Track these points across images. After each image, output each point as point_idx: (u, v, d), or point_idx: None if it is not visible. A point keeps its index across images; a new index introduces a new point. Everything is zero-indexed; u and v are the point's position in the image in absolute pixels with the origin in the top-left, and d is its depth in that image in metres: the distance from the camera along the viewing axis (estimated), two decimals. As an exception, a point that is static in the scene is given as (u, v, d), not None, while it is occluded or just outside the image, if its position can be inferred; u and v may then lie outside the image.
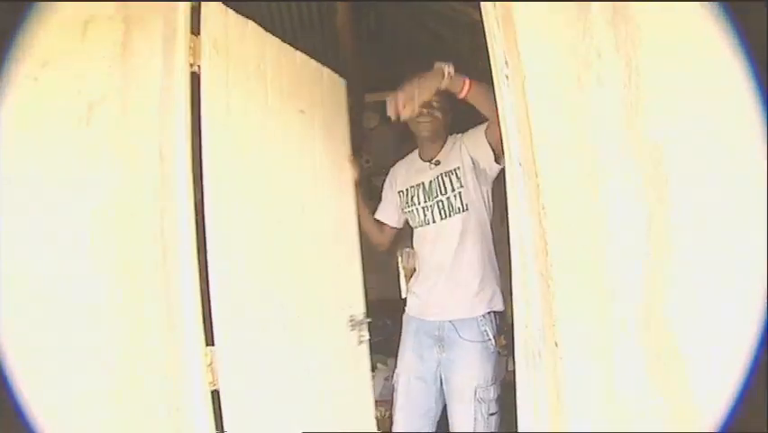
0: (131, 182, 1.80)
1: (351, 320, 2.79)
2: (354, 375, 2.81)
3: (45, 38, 1.96)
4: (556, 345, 1.78)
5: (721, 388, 1.77)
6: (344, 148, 3.01)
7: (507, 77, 1.96)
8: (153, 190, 1.82)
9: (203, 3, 2.17)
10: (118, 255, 1.75)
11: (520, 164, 1.92)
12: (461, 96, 2.52)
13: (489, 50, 2.01)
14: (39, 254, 1.74)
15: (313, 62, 2.78)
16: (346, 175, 2.98)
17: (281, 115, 2.47)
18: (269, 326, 2.22)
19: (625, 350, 1.79)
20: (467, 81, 2.48)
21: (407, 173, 3.17)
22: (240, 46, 2.27)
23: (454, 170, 2.93)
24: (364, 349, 2.89)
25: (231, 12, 2.26)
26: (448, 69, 2.46)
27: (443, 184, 2.95)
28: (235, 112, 2.16)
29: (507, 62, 1.96)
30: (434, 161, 3.03)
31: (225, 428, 1.96)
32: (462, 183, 2.90)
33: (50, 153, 1.87)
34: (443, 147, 3.03)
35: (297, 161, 2.56)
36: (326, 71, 2.91)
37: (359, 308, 2.87)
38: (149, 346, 1.75)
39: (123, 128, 1.84)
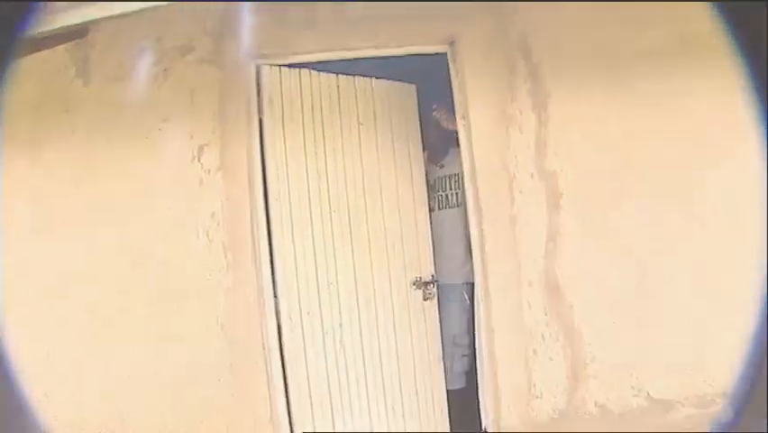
0: (231, 196, 3.01)
1: (416, 281, 3.61)
2: (423, 327, 3.65)
3: (162, 100, 3.15)
4: (489, 292, 3.01)
5: (592, 319, 3.01)
6: (414, 145, 3.78)
7: (464, 125, 3.13)
8: (244, 199, 3.02)
9: (261, 68, 3.33)
10: (226, 242, 2.97)
11: (469, 180, 3.12)
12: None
13: (456, 107, 3.19)
14: (177, 242, 2.97)
15: (376, 82, 3.69)
16: (417, 166, 3.80)
17: (339, 131, 3.50)
18: (329, 286, 3.34)
19: (531, 297, 3.02)
20: None
21: None
22: (294, 92, 3.39)
23: (455, 174, 3.99)
24: (432, 304, 3.71)
25: (284, 69, 3.38)
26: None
27: (444, 183, 4.04)
28: (292, 139, 3.31)
29: (464, 116, 3.13)
30: (439, 164, 4.09)
31: (284, 348, 3.20)
32: (460, 186, 3.96)
33: (172, 179, 3.08)
34: (446, 155, 4.08)
35: (360, 161, 3.54)
36: (396, 85, 3.73)
37: (427, 271, 3.73)
38: (246, 294, 2.99)
39: (222, 161, 3.03)
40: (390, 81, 3.82)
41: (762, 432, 0.60)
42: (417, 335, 3.68)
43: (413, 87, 3.93)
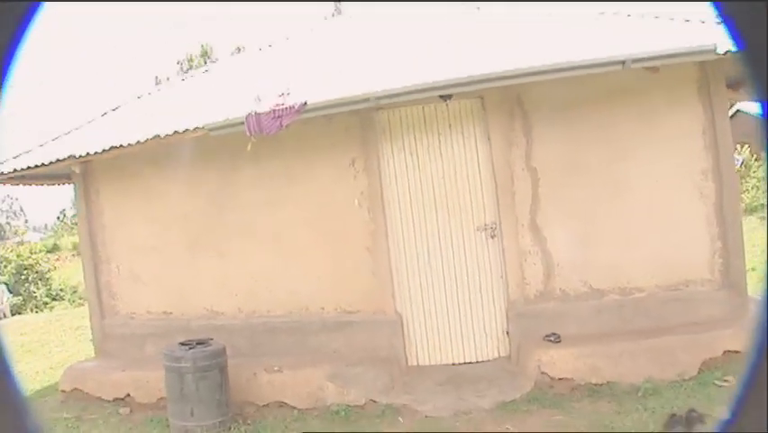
0: (370, 183, 6.32)
1: (481, 226, 6.62)
2: (488, 255, 6.72)
3: (330, 134, 6.49)
4: (502, 230, 6.24)
5: (556, 244, 6.19)
6: (482, 141, 6.52)
7: (488, 143, 6.33)
8: (377, 185, 6.33)
9: (377, 113, 6.59)
10: (369, 206, 6.30)
11: (491, 172, 6.33)
12: None
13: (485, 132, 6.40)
14: (344, 207, 6.33)
15: (450, 104, 6.51)
16: (484, 154, 6.54)
17: (427, 139, 6.57)
18: (422, 231, 6.58)
19: (523, 232, 6.23)
20: None
21: None
22: (396, 122, 6.59)
23: None
24: (495, 241, 6.65)
25: (390, 111, 6.60)
26: None
27: None
28: (398, 149, 6.58)
29: (488, 138, 6.33)
30: None
31: (397, 263, 6.51)
32: None
33: (339, 176, 6.44)
34: None
35: (441, 157, 6.53)
36: (464, 102, 6.57)
37: (491, 219, 6.67)
38: (379, 233, 6.32)
39: (365, 165, 6.35)
40: (460, 100, 6.54)
41: (762, 432, 0.63)
42: (483, 260, 6.65)
43: (479, 101, 6.61)
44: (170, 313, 7.25)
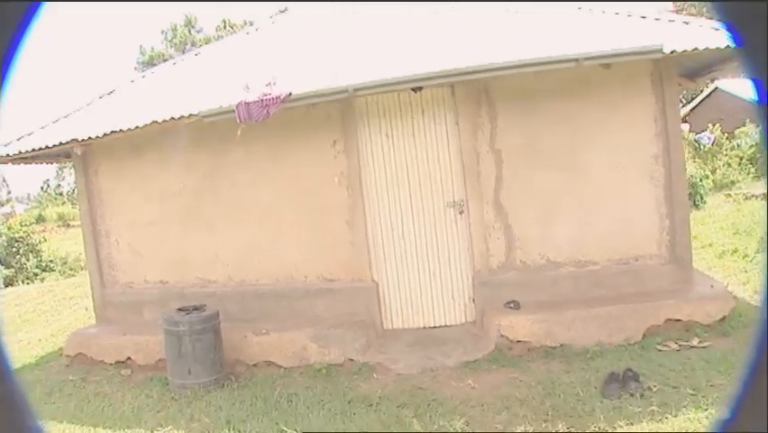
0: (349, 164, 7.02)
1: (450, 202, 7.38)
2: (456, 229, 7.53)
3: (313, 119, 7.18)
4: (468, 207, 6.97)
5: (517, 220, 6.95)
6: (450, 125, 7.33)
7: (456, 127, 7.04)
8: (356, 165, 7.03)
9: (355, 99, 7.27)
10: (348, 184, 7.00)
11: (458, 154, 7.05)
12: None
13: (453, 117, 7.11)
14: (325, 185, 7.04)
15: (423, 92, 7.19)
16: (454, 137, 7.30)
17: (401, 123, 7.26)
18: (396, 206, 7.29)
19: (487, 209, 6.98)
20: None
21: None
22: (373, 107, 7.31)
23: None
24: (463, 216, 7.41)
25: (368, 97, 7.27)
26: None
27: None
28: (375, 132, 7.27)
29: (457, 123, 7.03)
30: None
31: (373, 235, 7.24)
32: None
33: (321, 157, 7.14)
34: None
35: (413, 138, 7.27)
36: (437, 90, 7.25)
37: (460, 196, 7.43)
38: (357, 208, 7.04)
39: (345, 147, 7.04)
40: (432, 89, 7.25)
41: (762, 432, 0.63)
42: (451, 234, 7.43)
43: (449, 90, 7.35)
44: (166, 282, 7.97)
